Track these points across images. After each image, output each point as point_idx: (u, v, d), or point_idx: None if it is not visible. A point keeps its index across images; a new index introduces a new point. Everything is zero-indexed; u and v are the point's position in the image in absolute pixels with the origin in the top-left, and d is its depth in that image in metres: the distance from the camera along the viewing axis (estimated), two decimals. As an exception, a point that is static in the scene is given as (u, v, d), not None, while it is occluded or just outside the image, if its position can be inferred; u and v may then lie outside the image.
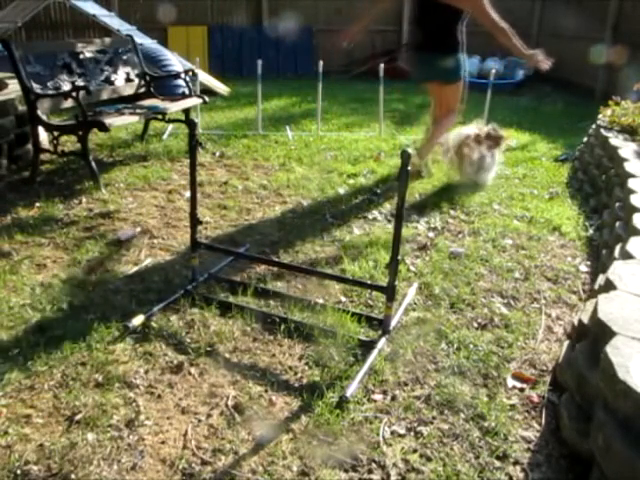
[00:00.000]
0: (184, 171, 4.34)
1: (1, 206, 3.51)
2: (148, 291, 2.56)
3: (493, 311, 2.49)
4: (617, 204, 3.08)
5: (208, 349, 2.15)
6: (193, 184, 2.48)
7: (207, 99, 5.05)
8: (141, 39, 6.62)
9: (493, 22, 3.87)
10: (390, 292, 2.18)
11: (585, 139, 4.85)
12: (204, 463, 1.63)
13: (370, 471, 1.62)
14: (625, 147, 3.73)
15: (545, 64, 4.00)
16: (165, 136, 5.39)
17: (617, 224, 2.85)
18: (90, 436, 1.70)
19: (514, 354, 2.19)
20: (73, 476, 1.56)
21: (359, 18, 4.32)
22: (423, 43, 4.08)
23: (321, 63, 5.55)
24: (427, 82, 4.35)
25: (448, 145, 4.18)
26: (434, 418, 1.83)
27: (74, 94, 3.80)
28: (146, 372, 2.01)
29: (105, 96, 4.52)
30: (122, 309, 2.40)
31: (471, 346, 2.21)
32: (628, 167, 3.28)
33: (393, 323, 2.28)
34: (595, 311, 1.78)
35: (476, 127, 4.23)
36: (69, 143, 4.66)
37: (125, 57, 4.89)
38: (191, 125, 2.44)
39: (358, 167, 4.60)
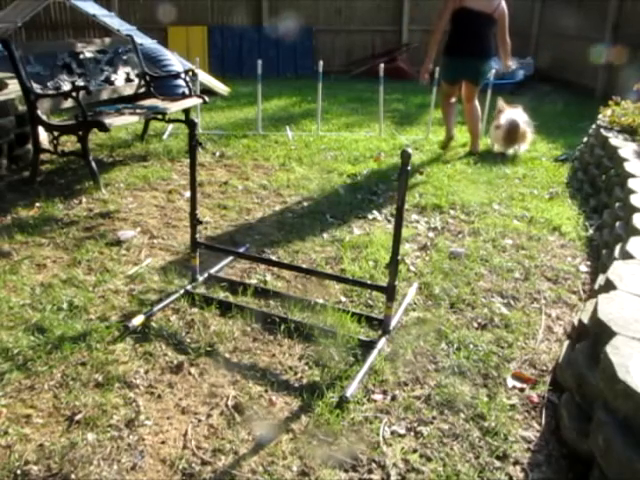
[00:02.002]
0: (184, 171, 4.34)
1: (1, 206, 3.51)
2: (148, 291, 2.56)
3: (493, 311, 2.49)
4: (617, 204, 3.08)
5: (208, 349, 2.15)
6: (193, 184, 2.48)
7: (207, 99, 5.05)
8: (141, 39, 6.62)
9: (506, 36, 4.85)
10: (390, 292, 2.18)
11: (585, 139, 4.85)
12: (204, 463, 1.63)
13: (370, 471, 1.62)
14: (625, 147, 3.73)
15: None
16: (165, 136, 5.39)
17: (617, 224, 2.86)
18: (90, 436, 1.70)
19: (514, 354, 2.19)
20: (73, 476, 1.56)
21: (429, 53, 4.88)
22: (470, 49, 4.72)
23: (321, 63, 5.55)
24: (461, 82, 4.94)
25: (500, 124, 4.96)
26: (434, 418, 1.83)
27: (74, 94, 3.80)
28: (146, 372, 2.01)
29: (105, 96, 4.53)
30: (122, 309, 2.40)
31: (471, 346, 2.21)
32: (628, 167, 3.28)
33: (393, 323, 2.28)
34: (595, 311, 1.78)
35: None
36: (69, 143, 4.66)
37: (125, 57, 4.89)
38: (191, 125, 2.44)
39: (358, 167, 4.60)
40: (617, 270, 2.02)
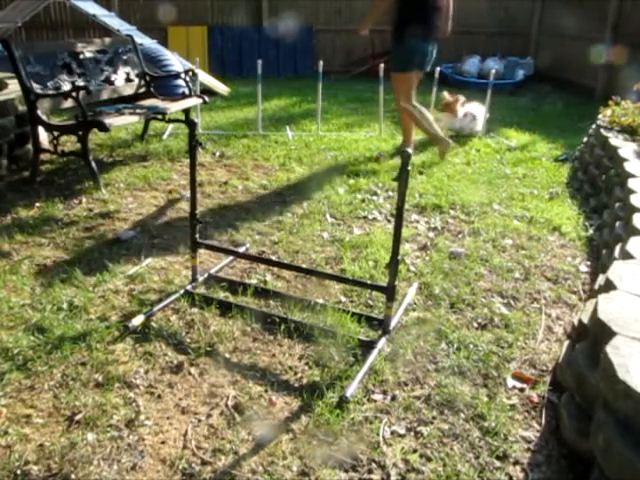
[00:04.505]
0: (184, 171, 4.34)
1: (1, 206, 3.51)
2: (148, 291, 2.56)
3: (493, 311, 2.49)
4: (617, 204, 3.08)
5: (208, 349, 2.15)
6: (193, 184, 2.48)
7: (207, 99, 5.05)
8: (141, 39, 6.62)
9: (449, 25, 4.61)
10: (390, 292, 2.18)
11: (585, 139, 4.85)
12: (204, 463, 1.63)
13: (370, 471, 1.62)
14: (625, 147, 3.73)
15: None
16: (165, 136, 5.39)
17: (617, 224, 2.86)
18: (90, 436, 1.70)
19: (514, 354, 2.19)
20: (73, 476, 1.56)
21: (372, 17, 4.71)
22: (434, 33, 4.46)
23: (321, 63, 5.55)
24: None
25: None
26: (434, 418, 1.83)
27: (74, 94, 3.80)
28: (146, 372, 2.01)
29: (105, 96, 4.52)
30: (122, 309, 2.40)
31: (471, 346, 2.21)
32: (628, 167, 3.28)
33: (393, 323, 2.28)
34: (595, 311, 1.78)
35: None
36: (69, 143, 4.66)
37: (125, 57, 4.89)
38: (191, 125, 2.44)
39: (358, 167, 4.60)
40: (617, 270, 2.02)
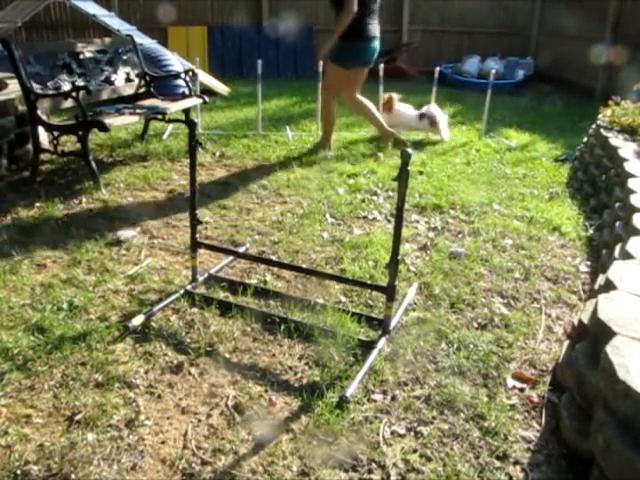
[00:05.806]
0: (184, 171, 4.34)
1: (1, 206, 3.51)
2: (148, 291, 2.56)
3: (493, 311, 2.49)
4: (617, 204, 3.08)
5: (208, 349, 2.15)
6: (193, 184, 2.48)
7: (207, 99, 5.05)
8: (141, 39, 6.62)
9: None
10: (390, 292, 2.18)
11: (585, 139, 4.85)
12: (204, 463, 1.63)
13: (370, 471, 1.62)
14: (625, 147, 3.73)
15: None
16: (165, 136, 5.39)
17: (617, 224, 2.86)
18: (90, 436, 1.70)
19: (514, 354, 2.19)
20: (73, 476, 1.56)
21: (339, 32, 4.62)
22: (377, 31, 4.75)
23: (321, 63, 5.54)
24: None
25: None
26: (434, 418, 1.83)
27: (74, 94, 3.80)
28: (146, 372, 2.01)
29: (105, 96, 4.53)
30: (122, 309, 2.40)
31: (471, 346, 2.21)
32: (628, 167, 3.28)
33: (393, 323, 2.28)
34: (595, 311, 1.78)
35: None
36: (69, 143, 4.66)
37: (125, 57, 4.89)
38: (191, 125, 2.44)
39: (358, 167, 4.60)
40: (617, 270, 2.02)
